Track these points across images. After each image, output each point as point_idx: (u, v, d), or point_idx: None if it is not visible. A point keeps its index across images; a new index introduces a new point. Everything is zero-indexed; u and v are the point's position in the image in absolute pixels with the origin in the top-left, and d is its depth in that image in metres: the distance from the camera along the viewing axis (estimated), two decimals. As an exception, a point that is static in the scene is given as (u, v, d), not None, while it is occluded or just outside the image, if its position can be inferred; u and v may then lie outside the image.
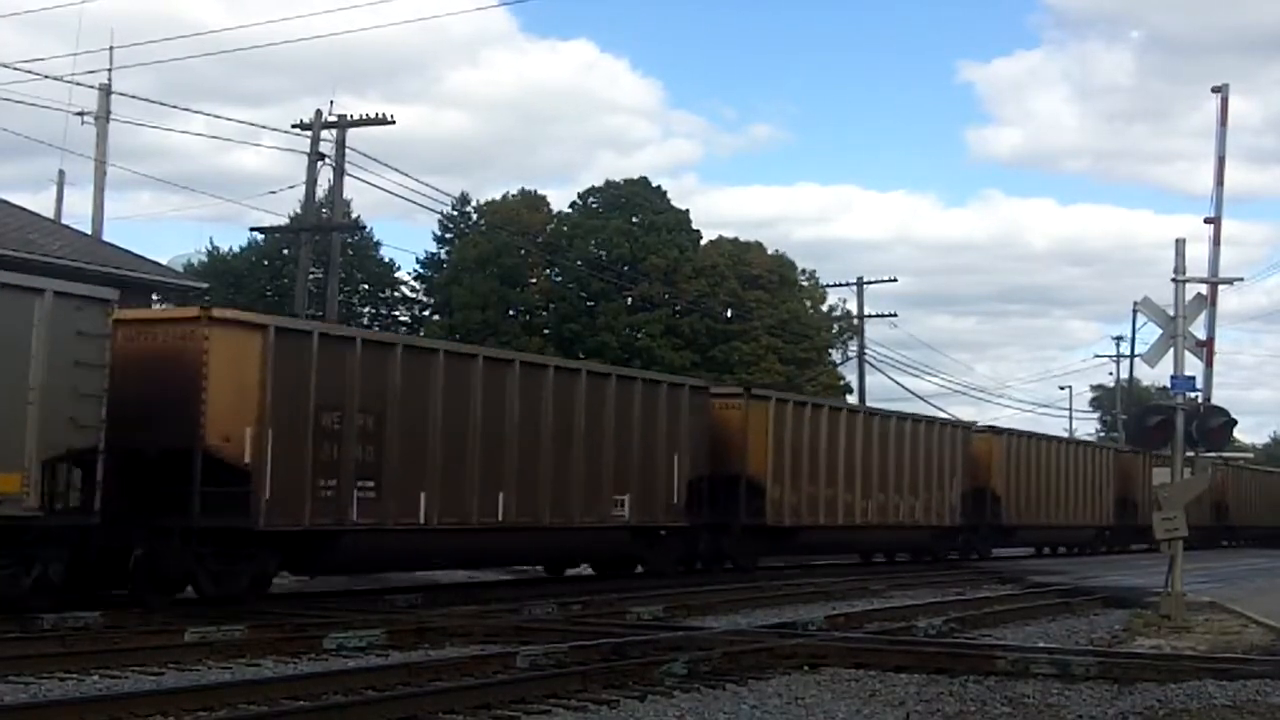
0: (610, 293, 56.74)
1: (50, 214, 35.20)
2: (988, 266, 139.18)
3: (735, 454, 26.78)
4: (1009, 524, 38.28)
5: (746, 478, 26.92)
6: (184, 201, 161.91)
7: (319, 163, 33.37)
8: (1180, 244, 20.15)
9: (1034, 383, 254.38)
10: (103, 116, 33.46)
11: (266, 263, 56.68)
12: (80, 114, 33.44)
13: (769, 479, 27.25)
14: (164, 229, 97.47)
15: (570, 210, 60.98)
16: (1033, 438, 41.27)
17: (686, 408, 25.12)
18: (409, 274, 62.21)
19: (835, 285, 70.35)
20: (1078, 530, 43.81)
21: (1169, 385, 20.63)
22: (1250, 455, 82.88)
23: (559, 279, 59.03)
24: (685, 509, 25.02)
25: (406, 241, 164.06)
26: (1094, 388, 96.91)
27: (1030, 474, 39.20)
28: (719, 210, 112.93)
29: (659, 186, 60.75)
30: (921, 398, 62.88)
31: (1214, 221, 21.86)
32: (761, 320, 57.61)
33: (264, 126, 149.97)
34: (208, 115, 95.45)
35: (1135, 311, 55.18)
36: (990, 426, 40.32)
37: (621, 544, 24.42)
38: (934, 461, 33.90)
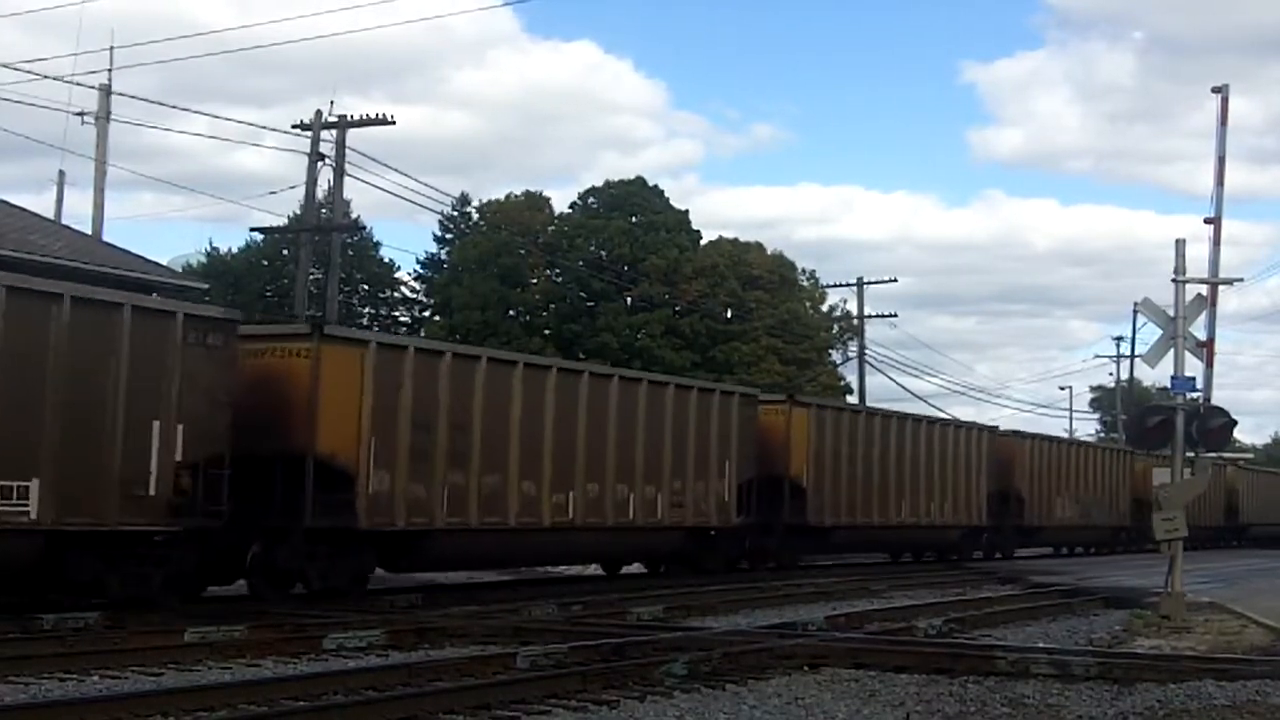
0: (610, 293, 56.74)
1: (51, 215, 35.22)
2: (989, 267, 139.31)
3: (779, 458, 28.28)
4: (1031, 524, 39.60)
5: (789, 480, 28.53)
6: (185, 202, 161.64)
7: (319, 163, 33.38)
8: (1180, 244, 20.16)
9: (1034, 383, 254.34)
10: (103, 117, 33.44)
11: (266, 263, 56.66)
12: (80, 114, 33.46)
13: (810, 481, 28.84)
14: (165, 229, 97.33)
15: (570, 211, 60.98)
16: (1054, 441, 43.36)
17: (736, 415, 26.58)
18: (409, 274, 62.27)
19: (835, 285, 70.33)
20: (1097, 530, 45.14)
21: (1169, 386, 20.63)
22: (1250, 455, 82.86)
23: (559, 279, 59.02)
24: (735, 510, 26.39)
25: (408, 242, 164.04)
26: (1094, 388, 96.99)
27: (1052, 476, 40.77)
28: (720, 210, 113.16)
29: (658, 187, 60.79)
30: (921, 398, 63.05)
31: (1214, 222, 21.84)
32: (761, 320, 57.60)
33: (264, 127, 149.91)
34: (210, 116, 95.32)
35: (1135, 312, 55.23)
36: (1015, 431, 41.67)
37: (677, 543, 25.65)
38: (961, 464, 35.22)
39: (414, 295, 62.57)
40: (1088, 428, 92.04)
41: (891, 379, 60.14)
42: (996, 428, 40.06)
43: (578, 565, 27.43)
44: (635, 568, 27.47)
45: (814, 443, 29.06)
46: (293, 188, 44.25)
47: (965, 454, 35.65)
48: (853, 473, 30.42)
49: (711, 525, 26.04)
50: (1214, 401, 21.79)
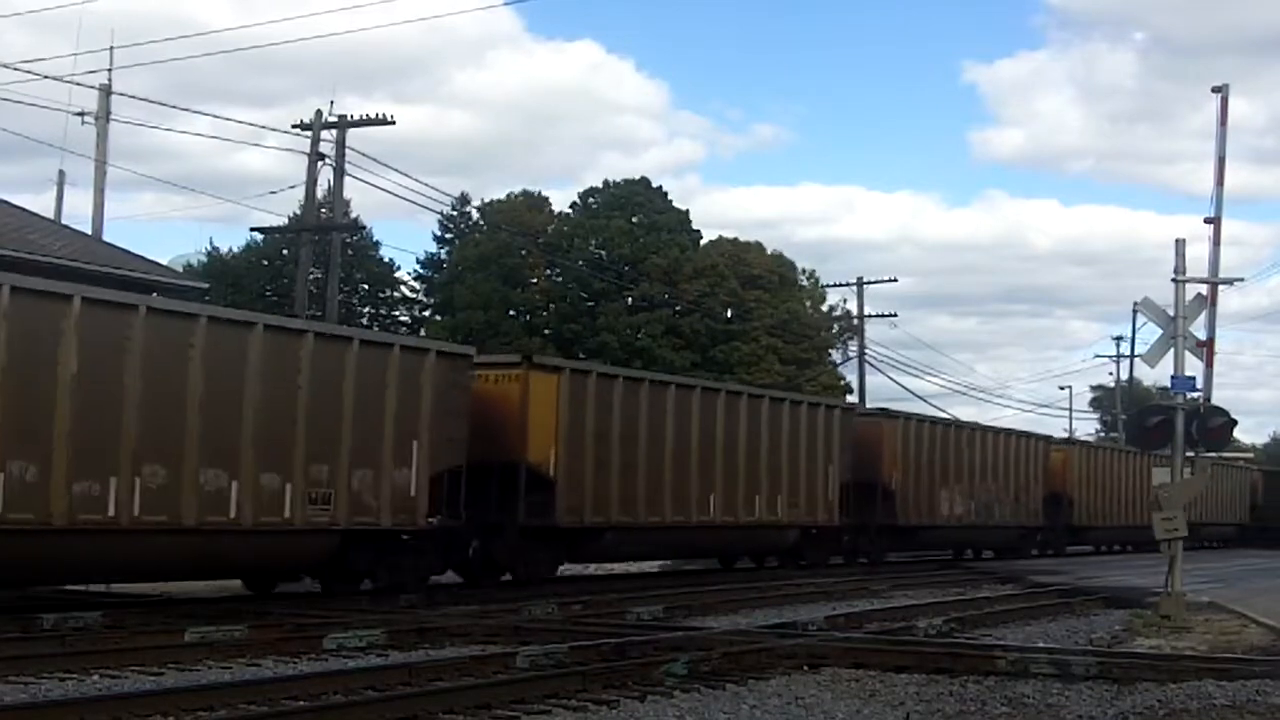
0: (611, 293, 56.73)
1: (51, 215, 35.22)
2: (990, 267, 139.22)
3: (873, 464, 31.67)
4: (1080, 524, 43.09)
5: (882, 484, 31.98)
6: (186, 202, 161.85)
7: (319, 163, 33.37)
8: (1180, 244, 20.16)
9: (1034, 383, 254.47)
10: (103, 117, 33.45)
11: (266, 263, 56.64)
12: (80, 114, 33.47)
13: (899, 485, 32.48)
14: (167, 229, 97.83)
15: (570, 211, 60.98)
16: (1099, 449, 46.05)
17: (838, 425, 30.14)
18: (409, 274, 62.27)
19: (835, 285, 70.43)
20: (1137, 530, 45.84)
21: (1169, 385, 20.63)
22: (1250, 455, 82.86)
23: (559, 279, 59.01)
24: (836, 511, 29.86)
25: (409, 242, 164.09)
26: (1094, 388, 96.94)
27: (1098, 481, 43.72)
28: (722, 211, 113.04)
29: (659, 187, 60.81)
30: (922, 398, 63.09)
31: (1214, 222, 21.85)
32: (761, 320, 57.60)
33: (265, 127, 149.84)
34: (211, 116, 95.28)
35: (1135, 312, 55.26)
36: (1067, 439, 46.72)
37: (789, 540, 29.05)
38: (1021, 470, 38.88)
39: (414, 295, 62.62)
40: (1088, 427, 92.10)
41: (891, 379, 60.25)
42: (1051, 438, 41.58)
43: (713, 558, 30.71)
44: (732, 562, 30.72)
45: (904, 451, 32.80)
46: (293, 187, 44.25)
47: (1024, 461, 39.38)
48: (934, 477, 34.18)
49: (816, 524, 29.39)
50: (1214, 401, 21.81)
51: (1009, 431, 40.37)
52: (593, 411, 22.78)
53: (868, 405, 43.27)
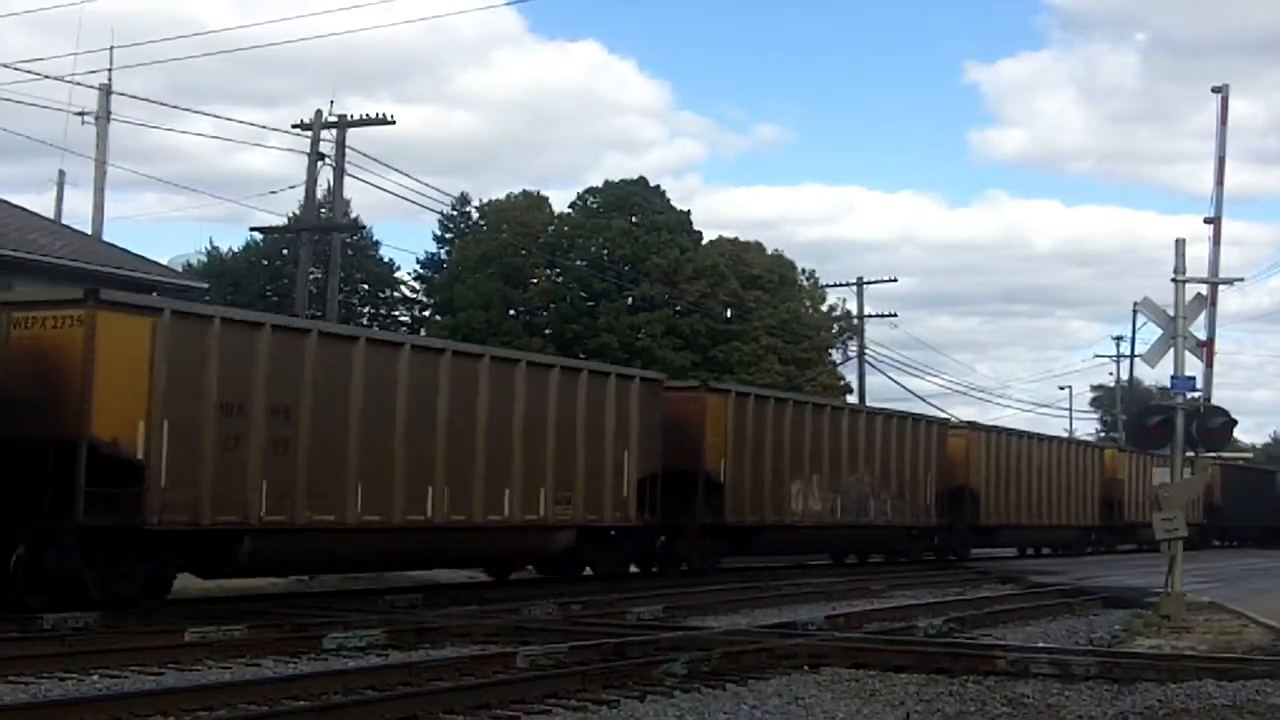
0: (611, 293, 56.72)
1: (52, 215, 35.21)
2: (991, 267, 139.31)
3: (960, 471, 35.96)
4: (1130, 523, 46.08)
5: (969, 489, 36.34)
6: (188, 202, 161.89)
7: (319, 163, 33.37)
8: (1180, 244, 20.17)
9: (1035, 383, 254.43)
10: (103, 116, 33.45)
11: (266, 263, 56.65)
12: (80, 114, 33.46)
13: (984, 489, 36.91)
14: (167, 229, 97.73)
15: (570, 210, 60.96)
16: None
17: (935, 438, 34.67)
18: (409, 274, 62.26)
19: (835, 285, 70.32)
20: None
21: (1169, 385, 20.63)
22: (1250, 455, 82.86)
23: (560, 279, 59.00)
24: (939, 512, 34.23)
25: (409, 242, 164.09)
26: (1094, 388, 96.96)
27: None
28: (723, 211, 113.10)
29: (659, 187, 60.76)
30: (922, 398, 63.02)
31: (1214, 222, 21.88)
32: (761, 320, 57.60)
33: (265, 127, 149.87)
34: (213, 116, 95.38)
35: (1135, 312, 55.26)
36: (1119, 447, 46.79)
37: (898, 538, 33.74)
38: (1081, 475, 42.50)
39: (414, 295, 62.61)
40: (1088, 427, 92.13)
41: (891, 379, 60.13)
42: (1104, 446, 41.07)
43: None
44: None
45: (988, 459, 37.33)
46: (293, 187, 44.32)
47: (1084, 467, 43.35)
48: (1013, 482, 38.66)
49: (919, 525, 34.13)
50: (1215, 401, 21.84)
51: (1073, 441, 41.22)
52: (751, 426, 27.19)
53: (868, 404, 43.33)
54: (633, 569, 26.01)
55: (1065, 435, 41.89)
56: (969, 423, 39.26)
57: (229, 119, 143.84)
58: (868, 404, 45.35)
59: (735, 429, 26.65)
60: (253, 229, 56.01)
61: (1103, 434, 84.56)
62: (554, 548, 23.46)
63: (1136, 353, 63.02)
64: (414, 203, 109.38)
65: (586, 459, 23.03)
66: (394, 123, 33.85)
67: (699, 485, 25.90)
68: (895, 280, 56.37)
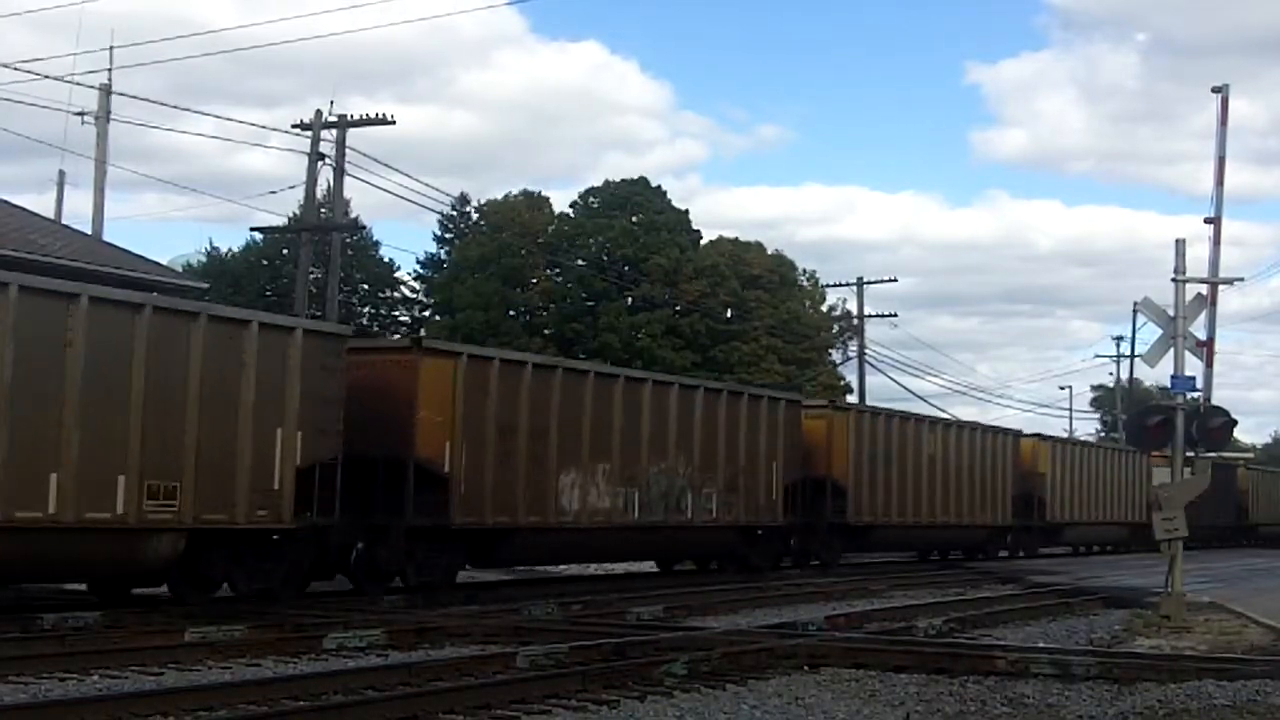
0: (612, 293, 56.71)
1: (52, 215, 35.19)
2: (992, 267, 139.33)
3: (1031, 478, 39.78)
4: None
5: (1038, 495, 40.10)
6: (189, 202, 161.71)
7: (319, 163, 33.37)
8: (1180, 244, 20.15)
9: (1035, 383, 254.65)
10: (103, 116, 33.43)
11: (266, 263, 56.66)
12: (80, 114, 33.45)
13: (1050, 494, 40.66)
14: (167, 229, 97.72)
15: (570, 211, 60.96)
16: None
17: (1010, 448, 38.75)
18: (409, 274, 62.27)
19: (835, 285, 70.41)
20: (1205, 529, 51.15)
21: (1169, 385, 20.62)
22: (1250, 455, 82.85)
23: (560, 279, 58.99)
24: (1012, 513, 38.35)
25: (410, 242, 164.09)
26: (1094, 388, 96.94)
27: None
28: (724, 211, 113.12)
29: (659, 186, 60.78)
30: (922, 398, 63.00)
31: (1214, 222, 21.88)
32: (761, 320, 57.59)
33: (265, 127, 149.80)
34: (214, 117, 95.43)
35: (1135, 312, 55.25)
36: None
37: (984, 537, 37.85)
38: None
39: (414, 295, 62.62)
40: (1088, 427, 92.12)
41: (892, 379, 60.10)
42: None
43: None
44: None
45: (1054, 467, 40.48)
46: (293, 187, 44.32)
47: (1129, 473, 45.86)
48: (1079, 485, 41.94)
49: (998, 525, 37.87)
50: (1215, 401, 21.84)
51: (1122, 449, 43.60)
52: (869, 438, 31.03)
53: (869, 404, 43.35)
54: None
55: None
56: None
57: (230, 119, 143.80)
58: (868, 404, 45.34)
59: (857, 441, 30.72)
60: (253, 229, 56.09)
61: (1103, 434, 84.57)
62: (721, 545, 27.17)
63: (1137, 353, 63.10)
64: (414, 203, 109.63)
65: (746, 469, 26.62)
66: (394, 123, 33.87)
67: (828, 490, 29.86)
68: (895, 280, 56.40)
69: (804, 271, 66.12)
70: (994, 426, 40.52)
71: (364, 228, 57.02)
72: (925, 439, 33.91)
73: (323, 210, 39.54)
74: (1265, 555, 45.78)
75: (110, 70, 33.54)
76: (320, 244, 38.43)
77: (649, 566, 29.07)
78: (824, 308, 66.26)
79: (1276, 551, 49.11)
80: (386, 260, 60.50)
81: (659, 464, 24.16)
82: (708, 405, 25.47)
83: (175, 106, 69.72)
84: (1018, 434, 40.51)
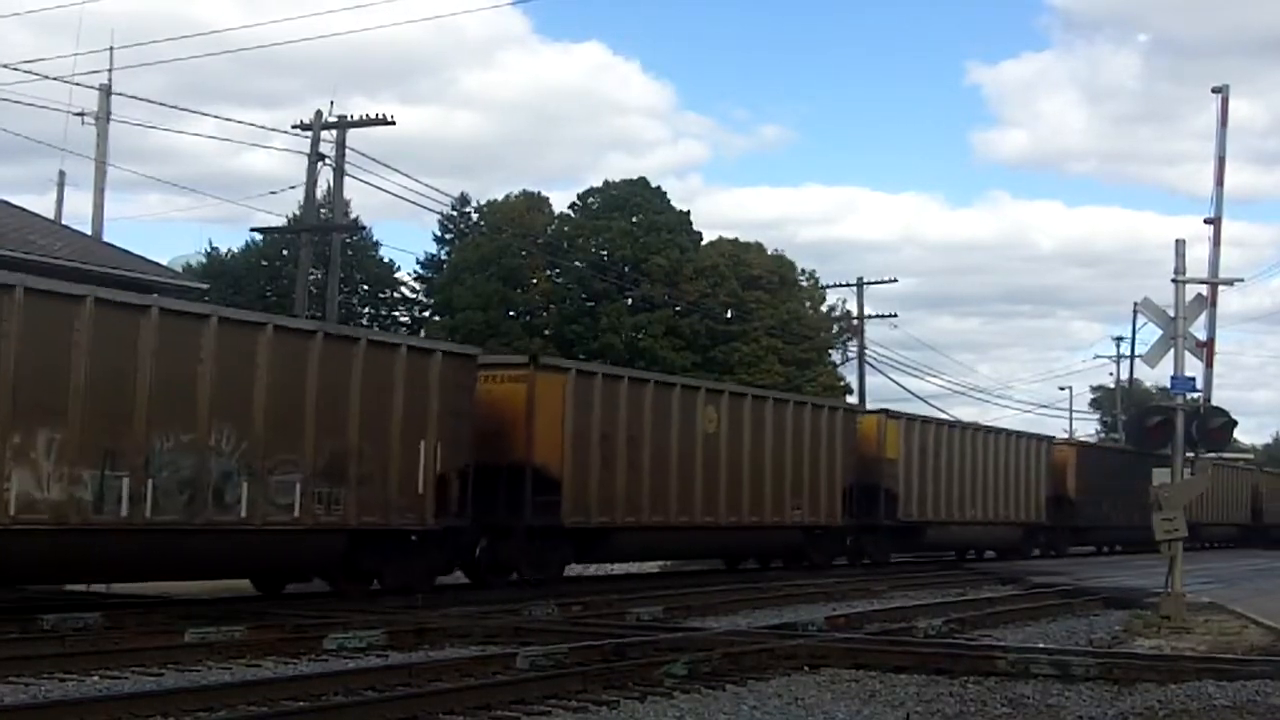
0: (612, 293, 56.70)
1: (52, 215, 35.18)
2: (993, 267, 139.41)
3: (1060, 481, 41.30)
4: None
5: (1068, 497, 41.61)
6: (190, 203, 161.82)
7: (320, 164, 33.36)
8: (1180, 245, 20.14)
9: (1035, 383, 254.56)
10: (103, 117, 33.43)
11: (266, 263, 56.63)
12: (80, 114, 33.43)
13: (1076, 495, 42.08)
14: (168, 230, 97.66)
15: (570, 211, 60.93)
16: (1220, 464, 49.26)
17: (1042, 452, 40.35)
18: (409, 275, 62.25)
19: (835, 286, 70.33)
20: (1220, 528, 53.26)
21: (1169, 386, 20.61)
22: (1250, 456, 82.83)
23: (560, 280, 58.97)
24: (1045, 515, 39.96)
25: (411, 242, 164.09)
26: (1094, 388, 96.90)
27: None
28: (725, 211, 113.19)
29: (659, 187, 60.73)
30: (922, 398, 63.06)
31: (1214, 222, 21.87)
32: (761, 321, 57.58)
33: (266, 128, 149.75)
34: (215, 117, 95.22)
35: (1136, 312, 55.24)
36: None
37: (1015, 535, 39.12)
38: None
39: (414, 296, 62.60)
40: (1088, 427, 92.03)
41: (892, 379, 60.21)
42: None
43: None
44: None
45: (1080, 471, 41.88)
46: (293, 188, 44.20)
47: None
48: (1109, 488, 42.71)
49: (1031, 523, 39.57)
50: (1215, 402, 21.86)
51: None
52: (920, 443, 33.03)
53: (868, 405, 43.44)
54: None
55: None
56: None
57: (230, 120, 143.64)
58: (868, 404, 45.41)
59: (907, 447, 32.55)
60: (253, 229, 56.07)
61: (1103, 434, 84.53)
62: (787, 543, 29.33)
63: (1137, 353, 63.11)
64: (414, 203, 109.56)
65: (810, 475, 28.81)
66: (394, 123, 33.84)
67: (881, 494, 31.63)
68: (895, 281, 56.60)
69: (804, 272, 66.12)
70: (1032, 435, 41.65)
71: (364, 228, 57.05)
72: (968, 445, 36.02)
73: (323, 211, 39.54)
74: (1265, 555, 45.79)
75: (111, 70, 33.57)
76: (320, 244, 38.43)
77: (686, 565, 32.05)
78: (824, 308, 66.23)
79: (1278, 552, 49.11)
80: (386, 261, 60.57)
81: (734, 470, 26.79)
82: (777, 414, 28.27)
83: (176, 107, 69.86)
84: (1049, 439, 42.63)
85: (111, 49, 33.58)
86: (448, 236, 62.11)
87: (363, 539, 18.84)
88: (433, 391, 19.63)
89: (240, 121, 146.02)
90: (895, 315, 55.68)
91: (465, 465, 20.14)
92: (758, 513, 27.48)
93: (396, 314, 61.97)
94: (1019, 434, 40.62)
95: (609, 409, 23.19)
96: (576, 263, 56.83)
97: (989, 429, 39.32)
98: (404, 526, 19.38)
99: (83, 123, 33.41)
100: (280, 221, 41.67)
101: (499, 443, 21.21)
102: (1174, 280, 20.01)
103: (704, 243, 60.63)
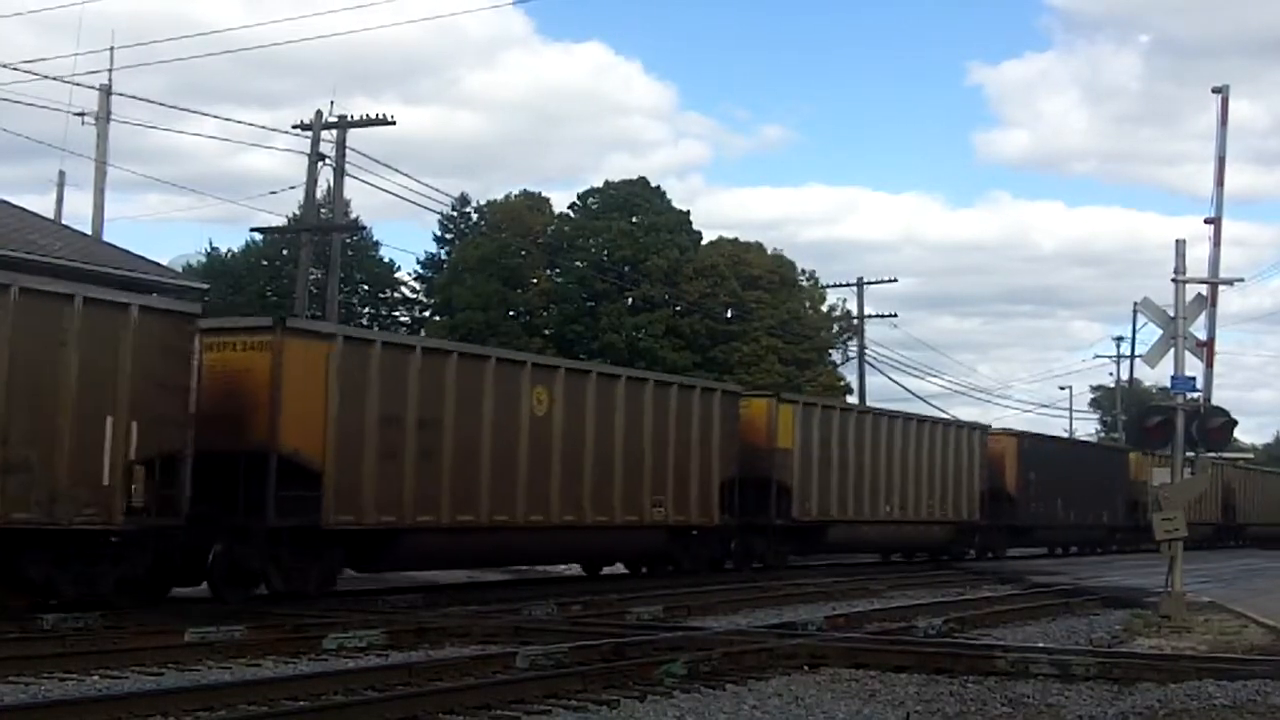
0: (612, 293, 56.70)
1: (52, 215, 35.17)
2: (994, 267, 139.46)
3: (998, 475, 38.46)
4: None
5: (1007, 493, 39.02)
6: (191, 203, 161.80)
7: (320, 164, 33.36)
8: (1180, 245, 20.15)
9: (1035, 383, 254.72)
10: (103, 117, 33.42)
11: (266, 263, 56.63)
12: (80, 115, 33.42)
13: (1016, 491, 39.59)
14: (168, 230, 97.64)
15: (570, 211, 60.93)
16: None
17: (975, 442, 37.10)
18: (409, 275, 62.25)
19: (835, 285, 70.32)
20: (1191, 526, 54.12)
21: (1169, 385, 20.62)
22: (1250, 456, 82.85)
23: (560, 280, 58.96)
24: (980, 513, 37.25)
25: (411, 242, 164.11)
26: (1094, 388, 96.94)
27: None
28: (726, 211, 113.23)
29: (659, 187, 60.73)
30: (922, 398, 63.10)
31: (1214, 222, 21.83)
32: (762, 321, 57.58)
33: (266, 128, 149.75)
34: (215, 117, 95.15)
35: (1136, 312, 55.24)
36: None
37: (944, 535, 36.67)
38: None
39: (414, 296, 62.59)
40: (1088, 427, 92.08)
41: (892, 379, 60.17)
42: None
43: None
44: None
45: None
46: (293, 188, 44.26)
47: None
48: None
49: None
50: (1216, 402, 21.80)
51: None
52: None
53: (868, 404, 43.18)
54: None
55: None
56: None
57: (231, 120, 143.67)
58: (869, 404, 45.31)
59: (804, 435, 29.47)
60: (253, 229, 56.04)
61: (1103, 434, 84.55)
62: (645, 545, 25.88)
63: (1137, 353, 63.07)
64: (414, 203, 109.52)
65: (676, 466, 25.50)
66: (394, 123, 33.84)
67: (773, 489, 28.65)
68: (895, 281, 56.48)
69: (804, 272, 66.14)
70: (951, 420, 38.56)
71: (364, 228, 57.00)
72: (883, 434, 32.20)
73: (323, 211, 39.53)
74: (1265, 555, 45.79)
75: (111, 70, 33.54)
76: (320, 244, 38.42)
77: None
78: (824, 308, 66.24)
79: (1276, 551, 49.14)
80: (387, 261, 60.56)
81: (573, 461, 22.82)
82: (631, 395, 23.84)
83: (176, 107, 69.85)
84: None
85: (111, 49, 33.59)
86: (448, 236, 62.12)
87: (22, 540, 15.39)
88: (125, 355, 16.07)
89: (240, 121, 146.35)
90: (895, 315, 55.70)
91: (178, 450, 16.61)
92: (604, 511, 23.35)
93: (397, 314, 61.99)
94: (946, 422, 37.03)
95: (394, 385, 19.24)
96: (576, 263, 56.85)
97: (908, 416, 35.14)
98: (80, 525, 15.79)
99: (83, 123, 33.44)
100: (280, 221, 41.67)
101: (237, 425, 17.59)
102: (1174, 280, 20.02)
103: (704, 243, 60.64)
